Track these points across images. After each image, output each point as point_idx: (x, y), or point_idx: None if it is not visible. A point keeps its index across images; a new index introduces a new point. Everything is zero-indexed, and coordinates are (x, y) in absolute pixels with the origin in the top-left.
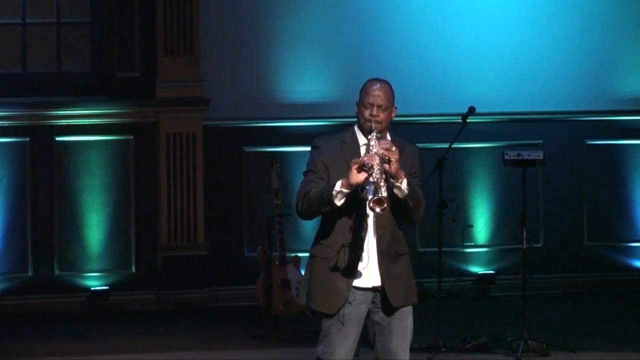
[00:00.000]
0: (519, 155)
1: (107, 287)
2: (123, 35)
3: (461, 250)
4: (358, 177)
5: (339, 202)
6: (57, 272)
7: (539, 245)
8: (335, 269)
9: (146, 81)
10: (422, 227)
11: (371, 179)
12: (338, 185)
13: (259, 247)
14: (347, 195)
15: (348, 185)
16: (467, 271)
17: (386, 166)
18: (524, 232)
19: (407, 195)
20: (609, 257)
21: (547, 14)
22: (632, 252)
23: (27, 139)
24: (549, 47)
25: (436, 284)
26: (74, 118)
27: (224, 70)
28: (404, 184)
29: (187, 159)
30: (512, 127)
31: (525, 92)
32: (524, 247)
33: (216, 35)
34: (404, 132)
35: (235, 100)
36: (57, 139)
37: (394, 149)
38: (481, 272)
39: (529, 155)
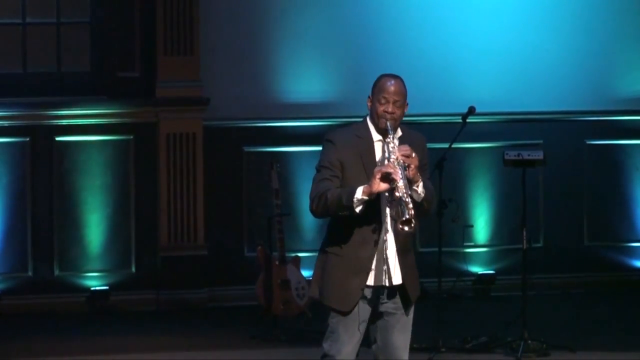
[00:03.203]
0: (519, 155)
1: (107, 287)
2: (123, 35)
3: (461, 250)
4: (381, 186)
5: (358, 209)
6: (57, 272)
7: (539, 245)
8: (351, 267)
9: (146, 81)
10: (422, 227)
11: (397, 194)
12: (359, 193)
13: (259, 247)
14: (364, 203)
15: (370, 193)
16: (467, 271)
17: (408, 171)
18: (524, 232)
19: (423, 198)
20: (609, 257)
21: (547, 14)
22: (632, 252)
23: (27, 139)
24: (549, 47)
25: (436, 284)
26: (74, 118)
27: (224, 70)
28: (420, 188)
29: (187, 159)
30: (512, 127)
31: (525, 92)
32: (524, 247)
33: (216, 35)
34: None
35: (235, 100)
36: (57, 139)
37: (413, 155)
38: (481, 272)
39: (529, 155)
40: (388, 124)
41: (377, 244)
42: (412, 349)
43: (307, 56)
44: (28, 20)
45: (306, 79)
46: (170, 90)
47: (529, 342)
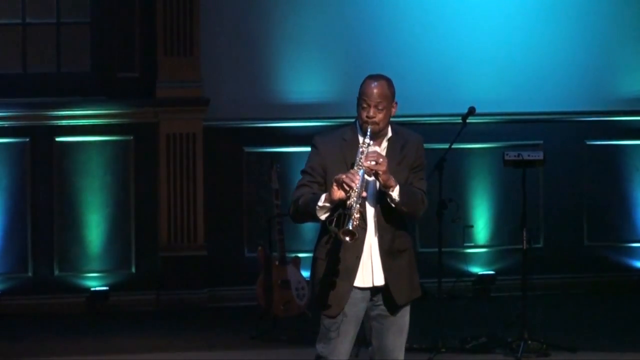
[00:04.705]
0: (519, 155)
1: (107, 288)
2: (123, 35)
3: (461, 250)
4: (338, 193)
5: (322, 216)
6: (57, 272)
7: (539, 245)
8: (336, 270)
9: (146, 81)
10: (422, 227)
11: (348, 202)
12: (321, 200)
13: (259, 247)
14: (331, 210)
15: (330, 201)
16: (467, 271)
17: (378, 177)
18: (524, 233)
19: (399, 203)
20: (609, 257)
21: (547, 14)
22: (632, 252)
23: (27, 139)
24: (549, 47)
25: (436, 284)
26: (74, 118)
27: (224, 70)
28: (395, 192)
29: (187, 159)
30: (512, 127)
31: (525, 92)
32: (524, 247)
33: (216, 35)
34: None
35: (235, 100)
36: (57, 139)
37: (381, 160)
38: (481, 273)
39: (529, 155)
40: (369, 128)
41: (362, 246)
42: (412, 349)
43: (307, 56)
44: (28, 20)
45: (306, 80)
46: (170, 91)
47: (529, 342)
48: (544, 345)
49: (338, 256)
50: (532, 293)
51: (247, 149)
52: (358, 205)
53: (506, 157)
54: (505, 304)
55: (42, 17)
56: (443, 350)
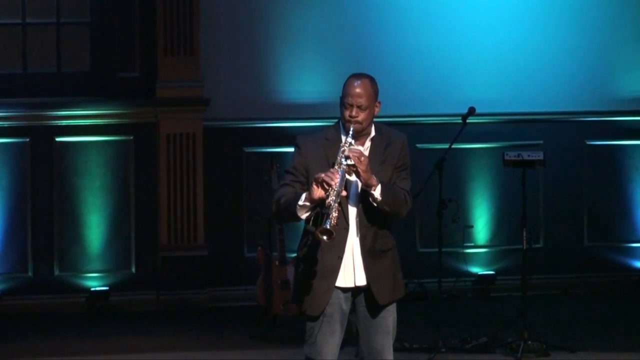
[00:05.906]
0: (519, 155)
1: (107, 288)
2: (123, 35)
3: (461, 250)
4: (318, 192)
5: (303, 215)
6: (57, 272)
7: (539, 245)
8: (318, 270)
9: (146, 81)
10: (422, 228)
11: (327, 201)
12: (301, 200)
13: (259, 247)
14: (311, 209)
15: (310, 200)
16: (467, 271)
17: (359, 176)
18: (524, 233)
19: (381, 202)
20: (609, 257)
21: (547, 14)
22: (632, 252)
23: (27, 140)
24: (549, 47)
25: (436, 284)
26: (74, 118)
27: (224, 70)
28: (377, 192)
29: (187, 159)
30: (512, 127)
31: (525, 92)
32: (524, 247)
33: (216, 35)
34: (404, 132)
35: (235, 100)
36: (57, 139)
37: (362, 158)
38: (481, 273)
39: (529, 155)
40: (352, 128)
41: (344, 246)
42: (412, 349)
43: (307, 56)
44: (28, 20)
45: (306, 80)
46: (170, 90)
47: (529, 342)
48: (544, 345)
49: (319, 256)
50: (532, 293)
51: (247, 149)
52: (337, 204)
53: (506, 157)
54: (505, 304)
55: (42, 17)
56: (443, 350)
